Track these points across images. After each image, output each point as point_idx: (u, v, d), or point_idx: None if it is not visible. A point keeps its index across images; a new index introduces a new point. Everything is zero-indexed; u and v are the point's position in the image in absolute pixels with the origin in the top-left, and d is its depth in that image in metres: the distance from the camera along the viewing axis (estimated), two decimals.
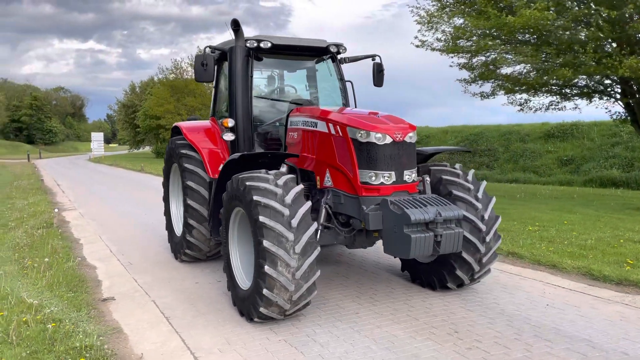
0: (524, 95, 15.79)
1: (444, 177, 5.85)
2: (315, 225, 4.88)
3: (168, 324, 5.24)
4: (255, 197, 4.82)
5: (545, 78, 12.54)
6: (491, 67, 13.73)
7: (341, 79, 7.35)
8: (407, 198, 5.10)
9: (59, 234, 10.11)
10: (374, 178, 5.26)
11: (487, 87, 15.00)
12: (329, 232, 5.70)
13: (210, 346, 4.65)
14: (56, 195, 18.29)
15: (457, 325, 5.05)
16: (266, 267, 4.64)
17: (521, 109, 16.23)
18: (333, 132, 5.58)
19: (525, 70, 13.82)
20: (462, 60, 14.55)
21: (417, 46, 14.72)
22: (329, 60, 7.33)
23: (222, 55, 7.04)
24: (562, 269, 7.00)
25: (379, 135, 5.23)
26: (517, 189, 18.79)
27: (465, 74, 14.80)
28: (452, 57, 14.32)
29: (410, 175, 5.40)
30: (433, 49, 14.52)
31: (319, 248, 4.88)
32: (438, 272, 5.94)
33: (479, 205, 5.69)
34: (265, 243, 4.64)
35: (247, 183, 4.99)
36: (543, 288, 6.25)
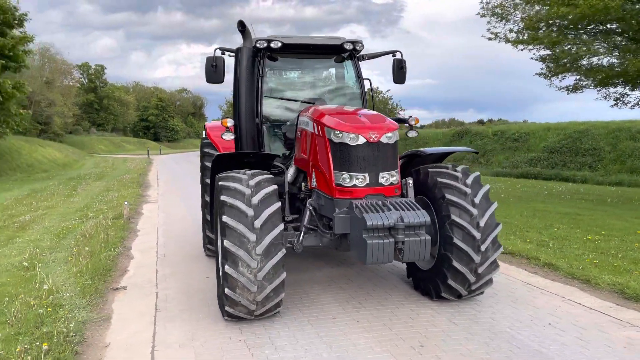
0: (619, 89, 14.24)
1: (439, 179, 5.49)
2: (281, 227, 4.83)
3: (153, 315, 5.49)
4: (222, 197, 4.88)
5: (620, 69, 11.17)
6: (567, 59, 12.53)
7: (359, 77, 7.16)
8: (372, 202, 4.86)
9: (122, 225, 10.97)
10: (347, 180, 5.08)
11: (571, 80, 13.73)
12: (314, 234, 5.60)
13: (174, 341, 4.80)
14: (149, 188, 19.78)
15: (429, 338, 4.72)
16: (226, 267, 4.69)
17: (615, 104, 14.66)
18: (316, 132, 5.48)
19: (608, 62, 12.44)
20: (536, 53, 13.44)
21: (490, 39, 13.84)
22: (348, 58, 7.17)
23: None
24: (595, 284, 6.25)
25: (352, 135, 5.04)
26: (614, 193, 16.96)
27: (540, 68, 13.65)
28: (522, 50, 13.28)
29: (387, 178, 5.14)
30: (507, 41, 13.56)
31: (283, 250, 4.82)
32: (434, 280, 5.59)
33: (474, 211, 5.27)
34: (226, 243, 4.69)
35: (220, 183, 5.08)
36: (558, 305, 5.62)
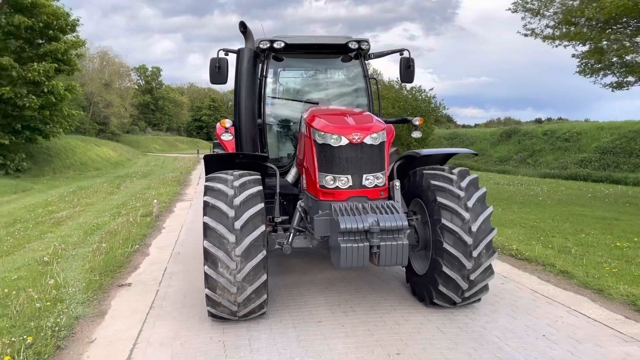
0: None
1: (433, 182, 5.30)
2: (262, 228, 4.80)
3: (146, 313, 5.58)
4: (205, 198, 4.91)
5: None
6: (603, 57, 11.83)
7: (365, 76, 7.03)
8: (351, 204, 4.75)
9: (148, 222, 11.27)
10: (331, 181, 5.00)
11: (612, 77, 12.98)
12: (304, 236, 5.53)
13: (156, 339, 4.86)
14: (188, 187, 20.26)
15: (409, 346, 4.56)
16: (205, 267, 4.71)
17: None
18: (306, 133, 5.42)
19: None
20: (576, 49, 12.77)
21: (525, 35, 13.27)
22: (354, 58, 7.07)
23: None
24: (607, 295, 5.87)
25: (335, 136, 4.95)
26: None
27: (576, 65, 12.96)
28: (556, 46, 12.65)
29: (372, 180, 5.01)
30: (545, 37, 12.96)
31: (264, 251, 4.79)
32: (427, 286, 5.41)
33: (467, 215, 5.04)
34: (205, 243, 4.71)
35: (206, 183, 5.10)
36: (560, 316, 5.31)
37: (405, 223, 4.59)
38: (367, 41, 6.87)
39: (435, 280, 5.19)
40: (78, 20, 25.86)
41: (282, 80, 7.54)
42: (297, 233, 5.50)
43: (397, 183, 5.35)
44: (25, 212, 13.47)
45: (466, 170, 5.53)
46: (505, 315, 5.35)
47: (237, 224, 4.71)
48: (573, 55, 13.34)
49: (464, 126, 73.34)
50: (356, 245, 4.43)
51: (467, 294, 5.20)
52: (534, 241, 8.64)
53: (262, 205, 4.91)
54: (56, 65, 23.89)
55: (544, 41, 12.62)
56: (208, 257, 4.71)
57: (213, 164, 5.74)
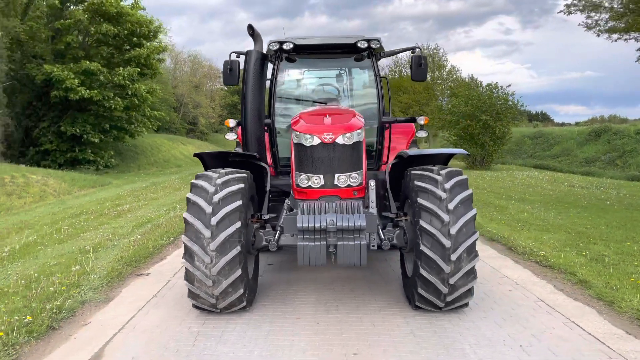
0: None
1: (416, 183, 5.18)
2: (237, 225, 4.96)
3: (147, 301, 5.95)
4: (188, 194, 5.16)
5: None
6: None
7: (376, 75, 6.99)
8: (314, 203, 4.77)
9: None
10: (305, 181, 5.06)
11: None
12: (290, 233, 5.61)
13: (143, 325, 5.18)
14: None
15: (371, 347, 4.52)
16: (183, 260, 4.97)
17: None
18: (290, 133, 5.52)
19: None
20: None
21: (589, 26, 12.32)
22: (366, 57, 7.05)
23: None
24: (617, 308, 5.42)
25: (307, 136, 5.00)
26: None
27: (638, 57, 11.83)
28: (616, 40, 11.60)
29: (345, 179, 4.99)
30: (608, 30, 11.98)
31: (238, 247, 4.95)
32: (410, 289, 5.32)
33: (446, 217, 4.89)
34: (183, 237, 4.96)
35: (192, 181, 5.36)
36: (553, 327, 4.98)
37: (364, 223, 4.55)
38: (377, 40, 6.82)
39: (416, 282, 5.09)
40: (160, 27, 27.61)
41: (294, 80, 7.68)
42: (284, 231, 5.60)
43: (372, 183, 5.29)
44: (94, 205, 14.64)
45: (457, 171, 5.35)
46: (492, 322, 5.12)
47: (214, 220, 4.91)
48: (638, 50, 12.21)
49: (563, 124, 68.83)
50: (313, 244, 4.47)
51: (449, 298, 5.04)
52: (569, 248, 8.09)
53: (240, 202, 5.06)
54: (139, 69, 25.67)
55: (598, 36, 11.63)
56: (186, 250, 4.96)
57: (210, 162, 6.00)
